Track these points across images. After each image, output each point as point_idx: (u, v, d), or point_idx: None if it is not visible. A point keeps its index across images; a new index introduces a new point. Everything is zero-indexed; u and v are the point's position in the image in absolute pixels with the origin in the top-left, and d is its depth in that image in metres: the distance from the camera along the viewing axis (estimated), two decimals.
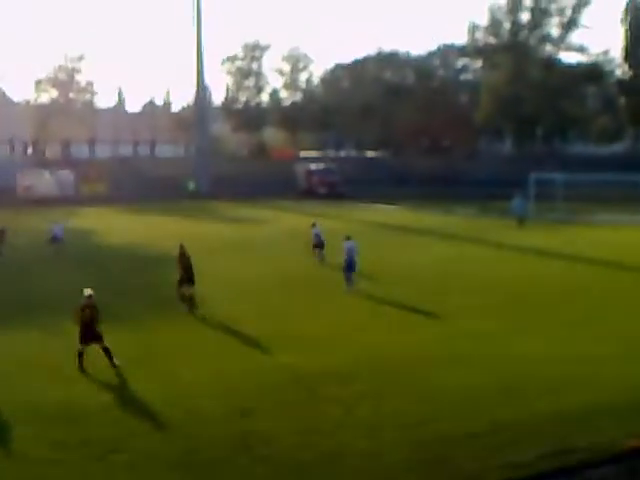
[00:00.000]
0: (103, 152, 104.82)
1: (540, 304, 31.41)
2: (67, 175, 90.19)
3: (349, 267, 35.22)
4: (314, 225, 44.55)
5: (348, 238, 36.33)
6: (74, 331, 23.39)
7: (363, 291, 34.33)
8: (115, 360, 22.73)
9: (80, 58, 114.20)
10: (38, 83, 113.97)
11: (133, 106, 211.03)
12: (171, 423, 18.46)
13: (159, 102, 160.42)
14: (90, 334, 22.88)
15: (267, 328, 27.27)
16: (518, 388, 20.53)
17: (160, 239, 52.09)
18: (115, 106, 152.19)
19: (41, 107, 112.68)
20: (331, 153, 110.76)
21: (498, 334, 26.26)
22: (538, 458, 16.25)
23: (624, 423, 18.00)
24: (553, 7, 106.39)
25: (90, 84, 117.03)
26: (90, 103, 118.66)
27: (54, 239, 47.45)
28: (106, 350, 22.86)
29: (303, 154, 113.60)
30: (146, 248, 48.70)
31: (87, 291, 23.60)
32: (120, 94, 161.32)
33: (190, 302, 30.61)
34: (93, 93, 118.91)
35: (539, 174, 64.87)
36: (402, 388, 20.66)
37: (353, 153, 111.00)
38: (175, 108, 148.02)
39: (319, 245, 43.38)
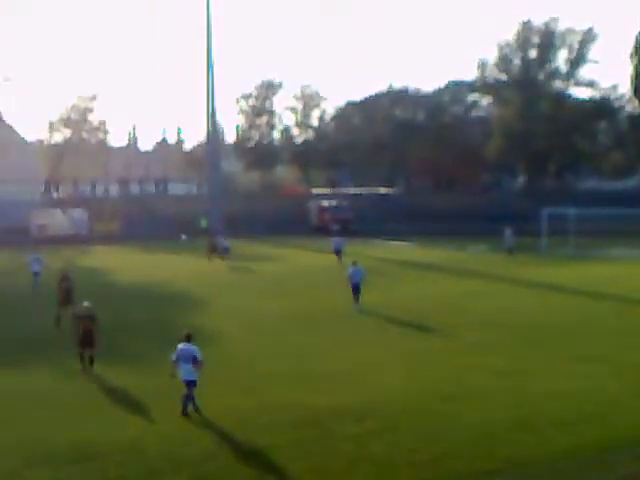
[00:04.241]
0: (116, 191, 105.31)
1: (554, 339, 31.28)
2: (80, 214, 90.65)
3: (354, 290, 39.19)
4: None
5: (354, 263, 40.34)
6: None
7: (376, 326, 34.42)
8: (93, 368, 26.31)
9: (93, 97, 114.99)
10: (51, 123, 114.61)
11: (145, 144, 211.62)
12: (188, 462, 18.34)
13: (171, 140, 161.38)
14: (87, 341, 26.22)
15: (282, 365, 27.28)
16: (533, 424, 20.40)
17: (172, 277, 52.21)
18: (128, 145, 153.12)
19: (54, 147, 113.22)
20: (343, 190, 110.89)
21: (512, 369, 26.16)
22: None
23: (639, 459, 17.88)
24: (561, 43, 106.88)
25: (103, 123, 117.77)
26: (103, 142, 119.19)
27: (34, 274, 47.86)
28: (91, 359, 26.38)
29: (315, 191, 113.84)
30: (157, 286, 48.71)
31: (85, 303, 27.30)
32: (132, 133, 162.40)
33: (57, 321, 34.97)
34: (106, 132, 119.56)
35: (551, 209, 64.99)
36: (416, 425, 20.57)
37: (365, 190, 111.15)
38: (187, 146, 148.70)
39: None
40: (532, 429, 20.07)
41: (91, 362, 26.42)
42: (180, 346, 21.99)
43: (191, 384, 21.74)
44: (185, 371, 21.71)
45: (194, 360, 21.67)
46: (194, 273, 54.95)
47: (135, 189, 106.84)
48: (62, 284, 36.56)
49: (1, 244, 61.10)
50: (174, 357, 21.96)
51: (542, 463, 17.81)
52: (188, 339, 22.16)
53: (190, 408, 21.76)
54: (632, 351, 28.84)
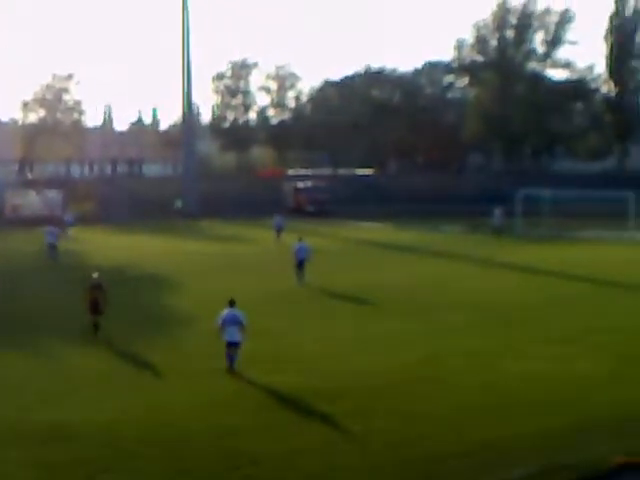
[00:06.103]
0: (91, 171, 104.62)
1: (526, 321, 31.43)
2: (55, 195, 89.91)
3: (298, 266, 40.78)
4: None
5: (300, 240, 42.49)
6: (59, 352, 26.53)
7: (350, 309, 34.43)
8: (99, 334, 28.65)
9: (68, 77, 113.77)
10: (26, 103, 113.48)
11: (121, 125, 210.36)
12: (162, 443, 18.37)
13: (147, 120, 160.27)
14: (96, 308, 28.73)
15: (255, 347, 27.18)
16: (506, 406, 20.52)
17: (147, 258, 52.03)
18: (103, 125, 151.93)
19: (29, 127, 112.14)
20: (319, 171, 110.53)
21: (485, 352, 26.26)
22: (526, 477, 16.23)
23: (611, 440, 17.99)
24: (537, 23, 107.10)
25: (78, 103, 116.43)
26: (78, 122, 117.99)
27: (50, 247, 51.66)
28: (98, 325, 28.80)
29: (291, 172, 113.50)
30: (133, 268, 48.48)
31: (95, 274, 29.97)
32: (108, 113, 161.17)
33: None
34: (81, 112, 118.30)
35: (527, 190, 65.19)
36: (390, 407, 20.62)
37: (341, 171, 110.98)
38: (163, 127, 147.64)
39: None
40: (504, 411, 20.19)
41: (97, 329, 28.81)
42: (225, 311, 24.33)
43: (235, 345, 23.99)
44: (231, 333, 23.94)
45: (240, 323, 24.01)
46: (167, 255, 54.73)
47: (110, 170, 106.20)
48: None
49: None
50: (220, 321, 24.18)
51: (514, 444, 17.91)
52: (232, 304, 24.53)
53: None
54: (604, 333, 28.98)
